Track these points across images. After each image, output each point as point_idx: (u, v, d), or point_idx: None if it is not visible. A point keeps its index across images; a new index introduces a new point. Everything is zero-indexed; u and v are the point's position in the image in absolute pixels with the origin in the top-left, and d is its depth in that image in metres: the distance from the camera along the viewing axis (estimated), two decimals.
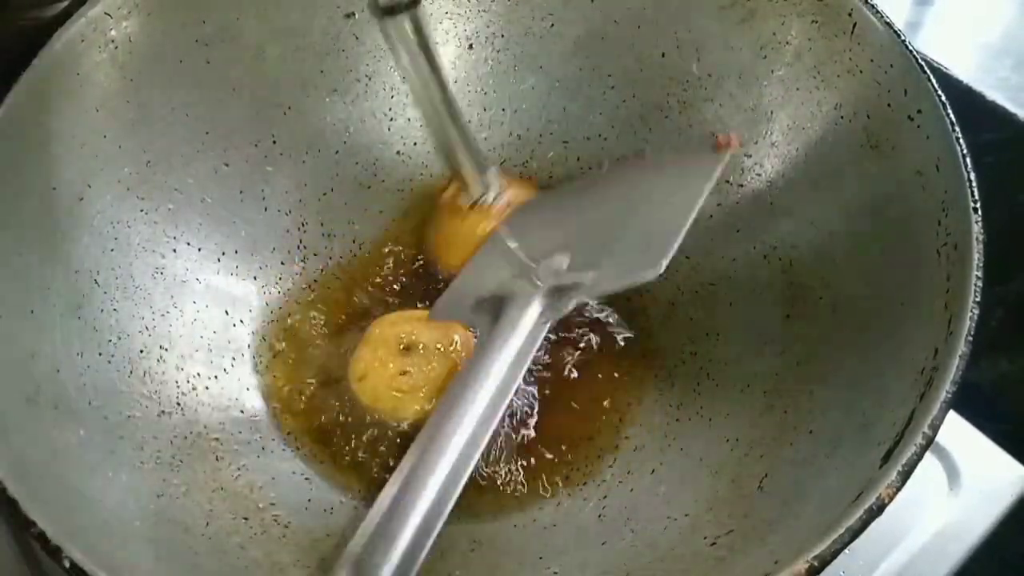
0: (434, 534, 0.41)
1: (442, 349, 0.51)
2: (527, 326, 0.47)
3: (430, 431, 0.44)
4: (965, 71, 0.70)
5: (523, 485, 0.49)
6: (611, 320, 0.54)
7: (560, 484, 0.49)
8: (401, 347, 0.51)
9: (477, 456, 0.43)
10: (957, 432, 0.56)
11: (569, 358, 0.53)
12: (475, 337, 0.51)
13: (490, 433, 0.44)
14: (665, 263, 0.44)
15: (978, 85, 0.69)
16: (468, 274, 0.54)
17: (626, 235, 0.49)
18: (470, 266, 0.54)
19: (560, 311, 0.47)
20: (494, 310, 0.49)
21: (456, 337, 0.51)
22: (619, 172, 0.56)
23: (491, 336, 0.47)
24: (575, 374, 0.53)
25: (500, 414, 0.45)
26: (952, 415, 0.37)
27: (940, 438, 0.37)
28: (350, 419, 0.51)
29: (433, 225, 0.57)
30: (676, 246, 0.45)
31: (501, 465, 0.50)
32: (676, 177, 0.51)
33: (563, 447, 0.50)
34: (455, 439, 0.43)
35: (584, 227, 0.52)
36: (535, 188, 0.58)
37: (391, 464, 0.49)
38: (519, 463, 0.50)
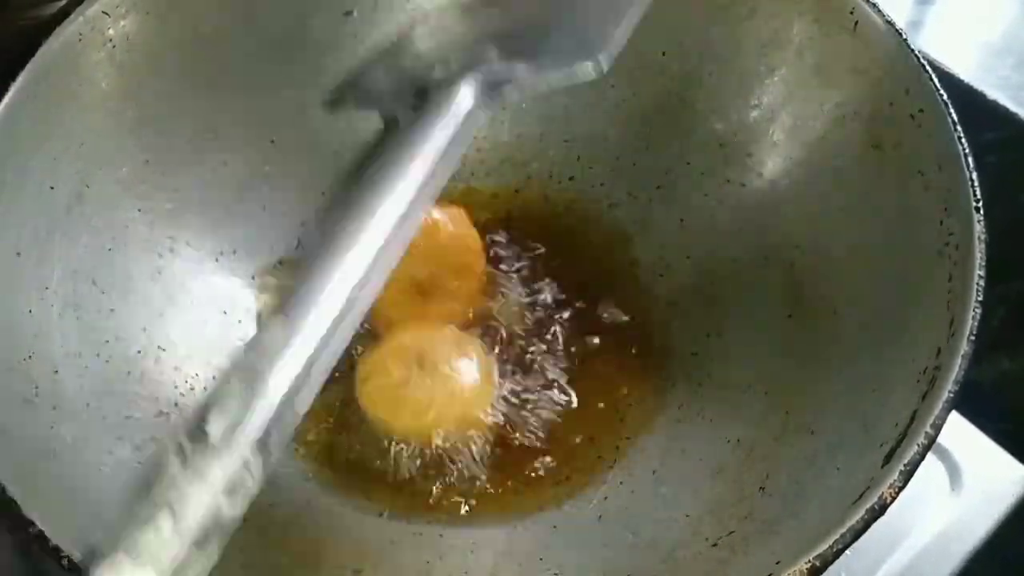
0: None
1: (451, 371, 0.50)
2: (457, 116, 0.40)
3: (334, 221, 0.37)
4: (966, 70, 0.70)
5: (523, 487, 0.49)
6: (612, 320, 0.54)
7: (560, 486, 0.49)
8: (413, 359, 0.50)
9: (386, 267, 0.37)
10: (958, 432, 0.56)
11: (569, 359, 0.53)
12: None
13: (407, 236, 0.37)
14: (607, 53, 0.39)
15: (979, 84, 0.69)
16: (391, 49, 0.48)
17: (563, 20, 0.43)
18: (393, 43, 0.48)
19: (493, 104, 0.41)
20: (416, 99, 0.42)
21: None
22: None
23: (415, 125, 0.40)
24: (575, 375, 0.53)
25: (419, 216, 0.38)
26: (953, 415, 0.37)
27: (941, 438, 0.37)
28: (349, 420, 0.51)
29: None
30: (622, 30, 0.39)
31: (501, 466, 0.49)
32: None
33: (563, 448, 0.50)
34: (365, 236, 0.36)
35: (513, 19, 0.45)
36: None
37: (391, 464, 0.49)
38: (519, 464, 0.50)
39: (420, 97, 0.41)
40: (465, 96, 0.40)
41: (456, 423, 0.50)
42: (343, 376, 0.52)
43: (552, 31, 0.42)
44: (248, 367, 0.31)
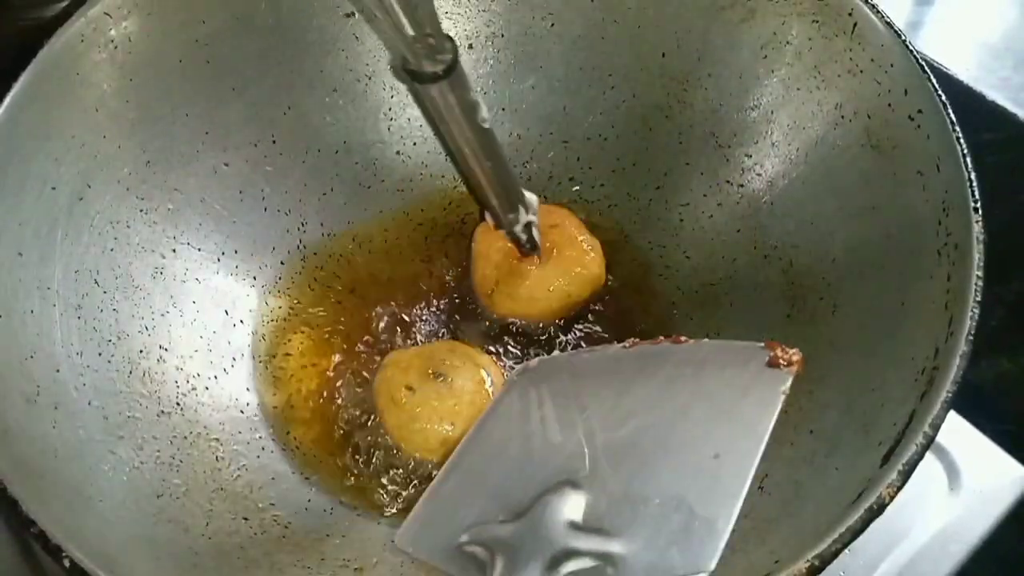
0: None
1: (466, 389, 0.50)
2: None
3: None
4: (965, 71, 0.70)
5: None
6: (612, 320, 0.54)
7: None
8: (433, 370, 0.50)
9: None
10: (957, 432, 0.56)
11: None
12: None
13: None
14: (716, 558, 0.35)
15: (978, 85, 0.69)
16: (453, 477, 0.45)
17: (662, 492, 0.38)
18: (457, 466, 0.46)
19: None
20: (478, 566, 0.39)
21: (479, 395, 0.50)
22: (654, 364, 0.46)
23: None
24: None
25: None
26: (952, 415, 0.37)
27: (940, 438, 0.37)
28: (350, 419, 0.51)
29: (477, 262, 0.56)
30: (729, 530, 0.36)
31: None
32: (727, 406, 0.41)
33: None
34: None
35: (608, 449, 0.41)
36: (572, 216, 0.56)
37: (390, 464, 0.50)
38: None
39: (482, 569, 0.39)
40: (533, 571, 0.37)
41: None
42: (351, 380, 0.53)
43: (649, 496, 0.39)
44: None
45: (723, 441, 0.39)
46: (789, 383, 0.40)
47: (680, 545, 0.36)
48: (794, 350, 0.41)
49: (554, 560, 0.37)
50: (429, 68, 0.40)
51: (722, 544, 0.35)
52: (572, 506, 0.39)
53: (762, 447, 0.38)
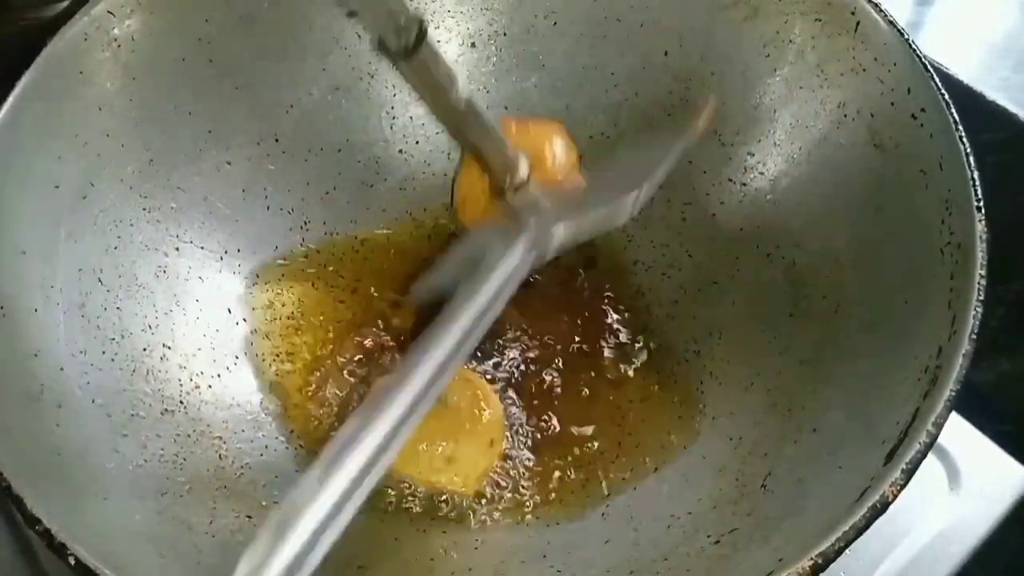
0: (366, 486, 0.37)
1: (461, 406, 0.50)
2: (506, 271, 0.42)
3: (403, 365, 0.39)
4: (966, 71, 0.70)
5: (526, 485, 0.49)
6: (613, 319, 0.55)
7: (563, 484, 0.49)
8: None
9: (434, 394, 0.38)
10: (958, 432, 0.56)
11: (570, 358, 0.53)
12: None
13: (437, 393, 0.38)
14: (633, 198, 0.44)
15: (979, 85, 0.69)
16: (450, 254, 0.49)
17: (602, 187, 0.48)
18: (452, 249, 0.49)
19: (545, 250, 0.44)
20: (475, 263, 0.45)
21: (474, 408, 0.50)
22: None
23: (473, 274, 0.42)
24: (576, 374, 0.53)
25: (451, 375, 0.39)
26: (953, 415, 0.37)
27: (941, 438, 0.37)
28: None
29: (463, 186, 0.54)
30: (645, 189, 0.45)
31: (503, 465, 0.50)
32: (655, 143, 0.50)
33: (565, 446, 0.50)
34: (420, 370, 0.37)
35: (567, 195, 0.50)
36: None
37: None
38: (521, 463, 0.50)
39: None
40: (516, 252, 0.43)
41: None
42: (354, 379, 0.53)
43: (593, 193, 0.48)
44: (279, 519, 0.34)
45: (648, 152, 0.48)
46: (705, 116, 0.49)
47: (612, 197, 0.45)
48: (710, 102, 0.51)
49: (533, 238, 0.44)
50: (395, 44, 0.41)
51: (639, 191, 0.45)
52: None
53: (682, 143, 0.48)
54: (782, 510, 0.41)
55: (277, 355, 0.53)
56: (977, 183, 0.41)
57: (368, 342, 0.54)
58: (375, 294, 0.56)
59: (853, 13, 0.48)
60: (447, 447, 0.49)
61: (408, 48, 0.41)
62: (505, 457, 0.50)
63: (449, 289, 0.44)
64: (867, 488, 0.36)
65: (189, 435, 0.47)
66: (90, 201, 0.48)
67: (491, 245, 0.44)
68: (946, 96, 0.44)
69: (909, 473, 0.36)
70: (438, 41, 0.58)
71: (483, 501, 0.49)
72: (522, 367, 0.53)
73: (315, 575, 0.32)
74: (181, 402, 0.48)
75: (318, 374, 0.53)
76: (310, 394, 0.52)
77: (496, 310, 0.41)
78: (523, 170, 0.50)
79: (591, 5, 0.56)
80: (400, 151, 0.59)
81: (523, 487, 0.49)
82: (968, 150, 0.42)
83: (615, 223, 0.45)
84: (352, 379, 0.53)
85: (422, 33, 0.41)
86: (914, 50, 0.46)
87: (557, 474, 0.49)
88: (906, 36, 0.46)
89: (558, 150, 0.52)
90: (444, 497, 0.49)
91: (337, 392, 0.52)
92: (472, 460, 0.49)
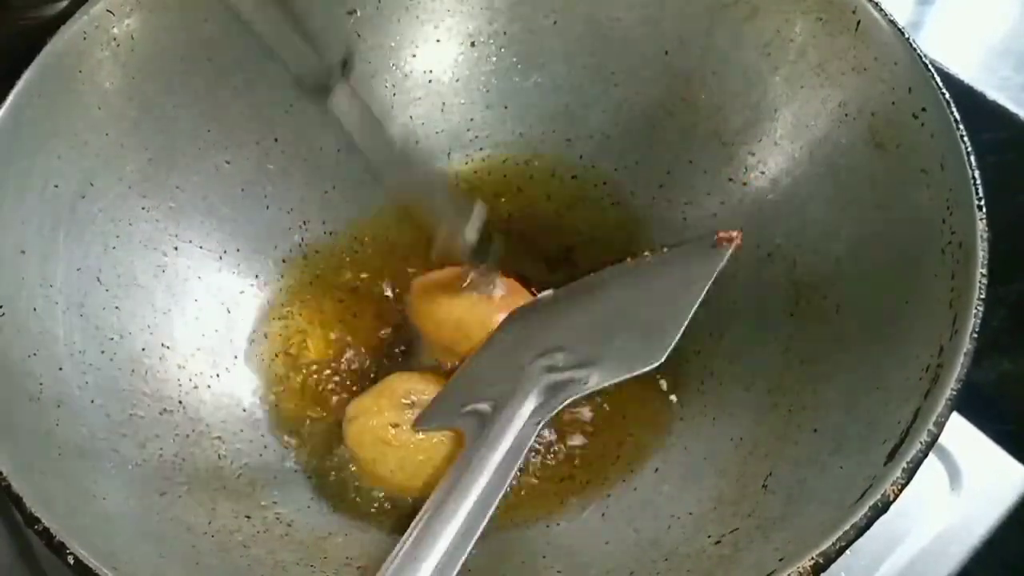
0: None
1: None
2: (517, 425, 0.45)
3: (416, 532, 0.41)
4: (966, 71, 0.70)
5: (526, 486, 0.49)
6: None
7: (563, 484, 0.49)
8: (405, 402, 0.49)
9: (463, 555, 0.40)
10: (958, 432, 0.56)
11: None
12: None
13: (478, 533, 0.41)
14: (666, 353, 0.45)
15: (979, 85, 0.69)
16: (458, 380, 0.51)
17: (626, 329, 0.49)
18: (460, 373, 0.51)
19: (553, 408, 0.46)
20: (483, 416, 0.46)
21: None
22: (620, 271, 0.55)
23: (480, 436, 0.45)
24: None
25: (489, 513, 0.41)
26: (953, 415, 0.37)
27: (941, 438, 0.37)
28: None
29: (420, 307, 0.55)
30: (678, 336, 0.46)
31: None
32: (678, 273, 0.52)
33: (566, 447, 0.50)
34: (440, 542, 0.40)
35: (583, 325, 0.51)
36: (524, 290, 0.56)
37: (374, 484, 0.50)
38: (521, 463, 0.50)
39: (486, 415, 0.46)
40: (528, 406, 0.46)
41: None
42: (353, 379, 0.52)
43: (616, 334, 0.49)
44: None
45: (674, 288, 0.51)
46: (728, 253, 0.50)
47: (638, 347, 0.47)
48: (736, 231, 0.51)
49: (546, 391, 0.46)
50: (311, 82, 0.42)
51: (671, 342, 0.46)
52: (553, 359, 0.48)
53: (708, 282, 0.48)
54: (783, 510, 0.41)
55: (276, 355, 0.53)
56: (978, 182, 0.41)
57: (368, 342, 0.54)
58: (375, 293, 0.56)
59: (854, 12, 0.48)
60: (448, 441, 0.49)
61: (327, 85, 0.41)
62: None
63: (456, 423, 0.48)
64: (868, 488, 0.36)
65: (188, 435, 0.47)
66: (89, 200, 0.48)
67: (501, 397, 0.46)
68: (947, 95, 0.44)
69: (910, 472, 0.35)
70: (438, 41, 0.58)
71: None
72: None
73: None
74: (180, 402, 0.48)
75: (318, 374, 0.53)
76: (310, 394, 0.52)
77: (511, 466, 0.43)
78: (477, 219, 0.49)
79: (591, 5, 0.56)
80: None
81: (523, 488, 0.49)
82: (969, 149, 0.42)
83: (638, 373, 0.46)
84: (352, 379, 0.53)
85: (347, 68, 0.41)
86: (915, 49, 0.46)
87: (557, 474, 0.49)
88: (906, 35, 0.46)
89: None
90: None
91: (337, 392, 0.52)
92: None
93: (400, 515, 0.48)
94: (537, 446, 0.50)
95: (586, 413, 0.51)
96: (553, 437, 0.50)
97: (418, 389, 0.50)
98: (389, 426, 0.48)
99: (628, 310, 0.51)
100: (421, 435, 0.48)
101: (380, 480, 0.48)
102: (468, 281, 0.52)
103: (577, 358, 0.48)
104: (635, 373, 0.46)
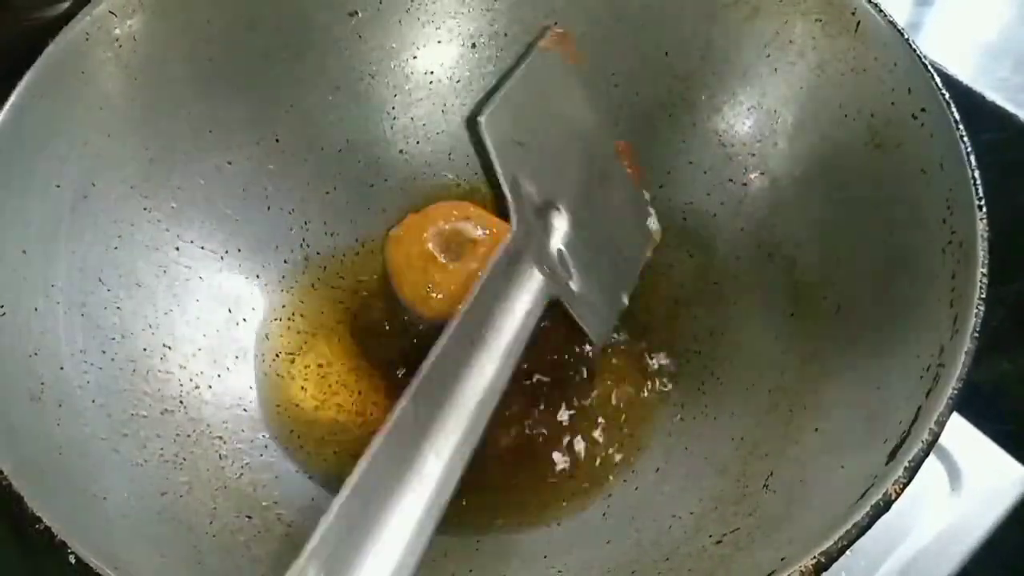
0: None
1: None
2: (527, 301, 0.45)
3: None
4: (965, 72, 0.70)
5: (526, 484, 0.49)
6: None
7: (564, 483, 0.49)
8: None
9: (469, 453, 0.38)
10: (958, 432, 0.56)
11: (572, 358, 0.53)
12: None
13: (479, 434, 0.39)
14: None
15: (978, 86, 0.69)
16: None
17: (600, 267, 0.51)
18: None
19: (544, 290, 0.46)
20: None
21: None
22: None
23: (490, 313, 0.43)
24: (578, 373, 0.53)
25: (494, 406, 0.40)
26: (953, 415, 0.37)
27: (941, 438, 0.37)
28: (352, 418, 0.51)
29: (402, 273, 0.55)
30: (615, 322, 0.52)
31: (504, 465, 0.50)
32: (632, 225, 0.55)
33: (567, 447, 0.50)
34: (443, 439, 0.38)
35: (580, 195, 0.51)
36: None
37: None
38: (522, 464, 0.50)
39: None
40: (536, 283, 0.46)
41: None
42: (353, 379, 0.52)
43: (594, 265, 0.51)
44: None
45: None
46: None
47: (593, 315, 0.50)
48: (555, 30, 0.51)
49: (540, 260, 0.46)
50: None
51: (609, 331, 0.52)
52: (561, 232, 0.48)
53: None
54: (784, 509, 0.41)
55: (277, 355, 0.53)
56: (978, 182, 0.42)
57: (368, 341, 0.54)
58: (375, 293, 0.56)
59: (853, 13, 0.48)
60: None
61: None
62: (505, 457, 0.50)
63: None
64: (869, 487, 0.36)
65: (189, 435, 0.47)
66: (91, 201, 0.48)
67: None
68: (947, 96, 0.44)
69: (911, 472, 0.36)
70: (439, 42, 0.58)
71: (484, 501, 0.48)
72: (522, 367, 0.53)
73: None
74: (181, 402, 0.48)
75: (319, 374, 0.53)
76: (310, 394, 0.52)
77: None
78: None
79: (592, 5, 0.56)
80: (400, 151, 0.59)
81: (524, 487, 0.49)
82: (969, 149, 0.42)
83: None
84: (352, 379, 0.53)
85: None
86: (914, 50, 0.46)
87: (558, 474, 0.49)
88: (906, 36, 0.47)
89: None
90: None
91: (338, 392, 0.52)
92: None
93: None
94: (536, 448, 0.50)
95: (586, 413, 0.51)
96: (554, 437, 0.51)
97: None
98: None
99: (605, 237, 0.53)
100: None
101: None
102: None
103: (571, 250, 0.49)
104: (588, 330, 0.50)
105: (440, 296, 0.53)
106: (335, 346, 0.54)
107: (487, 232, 0.55)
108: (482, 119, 0.43)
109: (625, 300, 0.53)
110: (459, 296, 0.52)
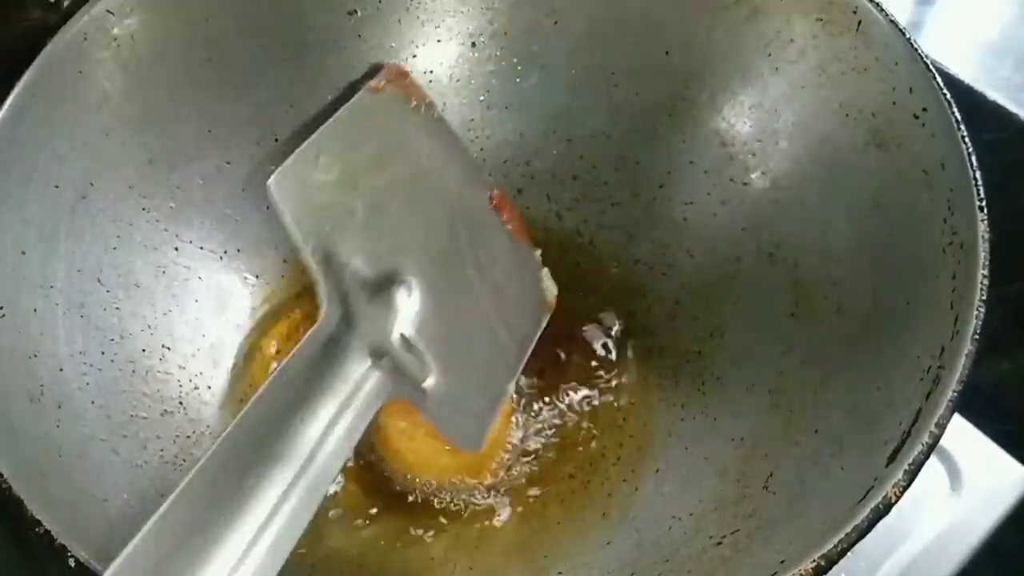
0: None
1: None
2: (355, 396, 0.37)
3: None
4: (966, 71, 0.70)
5: (527, 486, 0.49)
6: (615, 319, 0.55)
7: (564, 484, 0.49)
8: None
9: None
10: (958, 433, 0.56)
11: (572, 357, 0.53)
12: None
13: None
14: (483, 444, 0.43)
15: (979, 85, 0.69)
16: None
17: (470, 353, 0.43)
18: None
19: (380, 393, 0.38)
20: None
21: None
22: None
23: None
24: (578, 373, 0.53)
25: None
26: (954, 416, 0.37)
27: (941, 439, 0.37)
28: None
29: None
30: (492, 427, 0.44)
31: (505, 464, 0.50)
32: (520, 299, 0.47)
33: (567, 447, 0.50)
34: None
35: (437, 264, 0.43)
36: None
37: (391, 464, 0.50)
38: (522, 462, 0.50)
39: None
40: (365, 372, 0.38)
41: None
42: None
43: (462, 352, 0.43)
44: None
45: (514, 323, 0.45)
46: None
47: (461, 415, 0.41)
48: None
49: (375, 351, 0.38)
50: None
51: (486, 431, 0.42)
52: (408, 313, 0.40)
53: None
54: (784, 511, 0.41)
55: (278, 355, 0.53)
56: (980, 182, 0.41)
57: None
58: None
59: (855, 12, 0.48)
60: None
61: None
62: (506, 455, 0.50)
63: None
64: (870, 489, 0.36)
65: (189, 436, 0.47)
66: (90, 201, 0.48)
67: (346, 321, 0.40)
68: (948, 96, 0.44)
69: (912, 474, 0.35)
70: (438, 41, 0.58)
71: (483, 500, 0.48)
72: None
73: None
74: (181, 403, 0.48)
75: None
76: None
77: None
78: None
79: (592, 5, 0.56)
80: None
81: (524, 488, 0.49)
82: (970, 149, 0.42)
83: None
84: None
85: None
86: (916, 49, 0.46)
87: (558, 475, 0.49)
88: (907, 35, 0.46)
89: None
90: (444, 496, 0.49)
91: None
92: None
93: (400, 515, 0.48)
94: (537, 449, 0.50)
95: (586, 414, 0.51)
96: (558, 429, 0.51)
97: None
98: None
99: (480, 307, 0.44)
100: None
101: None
102: None
103: (424, 336, 0.41)
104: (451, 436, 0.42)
105: None
106: None
107: None
108: (271, 182, 0.39)
109: (510, 389, 0.44)
110: None
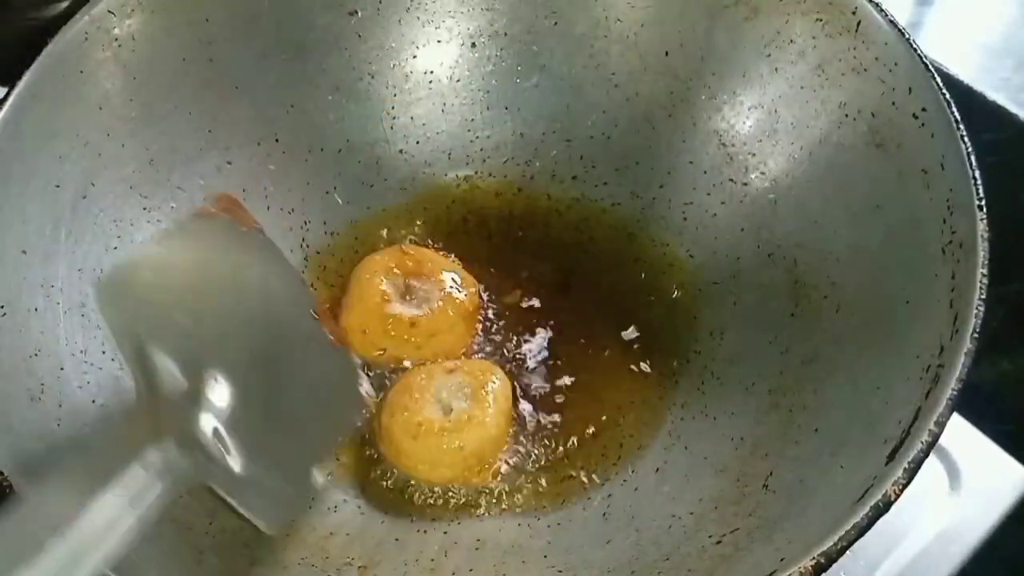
0: None
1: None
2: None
3: None
4: (966, 71, 0.70)
5: (527, 485, 0.49)
6: (615, 318, 0.54)
7: (565, 483, 0.49)
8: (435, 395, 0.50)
9: None
10: (958, 432, 0.56)
11: (572, 357, 0.53)
12: None
13: None
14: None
15: (979, 85, 0.69)
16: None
17: (279, 444, 0.43)
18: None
19: (185, 479, 0.38)
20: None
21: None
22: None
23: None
24: (578, 373, 0.53)
25: None
26: (953, 415, 0.37)
27: (941, 438, 0.37)
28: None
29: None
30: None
31: (505, 464, 0.50)
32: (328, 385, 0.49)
33: (568, 447, 0.50)
34: None
35: (252, 366, 0.44)
36: None
37: (391, 464, 0.50)
38: (524, 463, 0.50)
39: None
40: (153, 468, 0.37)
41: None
42: None
43: (272, 436, 0.43)
44: None
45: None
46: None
47: (267, 500, 0.42)
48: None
49: (184, 441, 0.39)
50: None
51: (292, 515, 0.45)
52: (218, 407, 0.41)
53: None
54: (784, 510, 0.41)
55: None
56: (979, 182, 0.41)
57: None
58: None
59: (854, 13, 0.48)
60: (454, 438, 0.49)
61: None
62: (506, 456, 0.50)
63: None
64: (869, 487, 0.36)
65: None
66: (90, 201, 0.48)
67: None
68: (947, 95, 0.44)
69: (911, 473, 0.35)
70: (439, 41, 0.58)
71: (484, 501, 0.48)
72: (522, 367, 0.53)
73: None
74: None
75: None
76: None
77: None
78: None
79: (592, 5, 0.56)
80: (400, 151, 0.59)
81: (524, 487, 0.49)
82: (970, 149, 0.42)
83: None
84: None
85: None
86: (915, 50, 0.46)
87: (559, 474, 0.49)
88: (907, 35, 0.47)
89: None
90: (445, 496, 0.49)
91: None
92: (477, 452, 0.49)
93: (403, 514, 0.48)
94: (538, 449, 0.50)
95: (586, 414, 0.51)
96: (558, 429, 0.51)
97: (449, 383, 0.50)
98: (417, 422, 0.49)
99: (291, 397, 0.46)
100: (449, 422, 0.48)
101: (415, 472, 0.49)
102: None
103: (233, 430, 0.41)
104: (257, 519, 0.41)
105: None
106: None
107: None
108: (93, 288, 0.42)
109: (318, 477, 0.46)
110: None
